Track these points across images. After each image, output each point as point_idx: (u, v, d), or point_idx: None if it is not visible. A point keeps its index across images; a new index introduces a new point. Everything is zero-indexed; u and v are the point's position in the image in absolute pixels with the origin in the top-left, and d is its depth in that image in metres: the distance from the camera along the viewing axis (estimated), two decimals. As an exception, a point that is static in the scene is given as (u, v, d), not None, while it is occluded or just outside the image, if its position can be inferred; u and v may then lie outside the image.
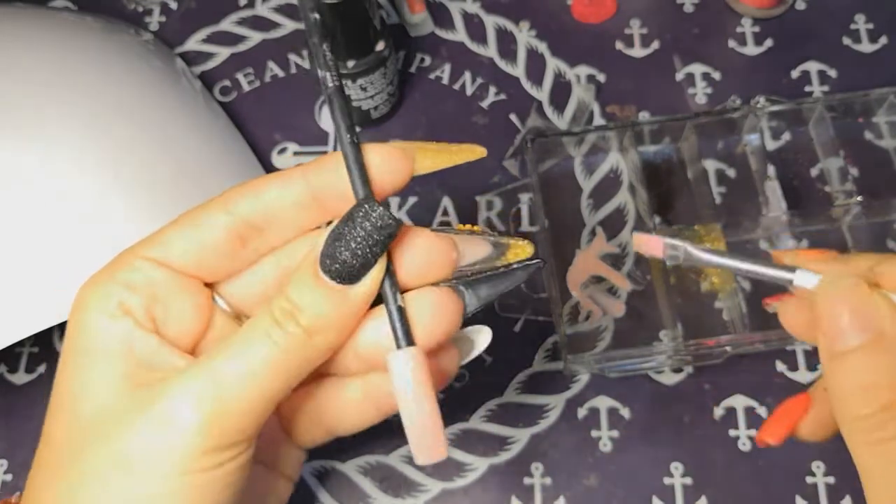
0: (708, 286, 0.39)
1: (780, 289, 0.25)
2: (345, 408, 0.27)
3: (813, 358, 0.37)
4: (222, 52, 0.47)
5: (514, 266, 0.26)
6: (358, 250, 0.23)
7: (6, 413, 0.38)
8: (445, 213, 0.42)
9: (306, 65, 0.46)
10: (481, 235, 0.26)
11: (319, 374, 0.26)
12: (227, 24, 0.48)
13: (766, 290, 0.39)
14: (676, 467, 0.36)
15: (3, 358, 0.39)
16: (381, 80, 0.41)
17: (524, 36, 0.46)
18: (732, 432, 0.36)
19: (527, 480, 0.36)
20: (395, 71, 0.42)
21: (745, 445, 0.36)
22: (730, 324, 0.38)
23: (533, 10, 0.47)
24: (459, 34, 0.47)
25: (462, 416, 0.37)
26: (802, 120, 0.42)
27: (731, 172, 0.41)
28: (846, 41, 0.45)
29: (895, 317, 0.22)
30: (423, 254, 0.24)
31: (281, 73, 0.46)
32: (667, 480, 0.36)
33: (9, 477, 0.37)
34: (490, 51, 0.46)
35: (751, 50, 0.45)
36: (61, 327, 0.39)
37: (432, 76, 0.45)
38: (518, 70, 0.45)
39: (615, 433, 0.37)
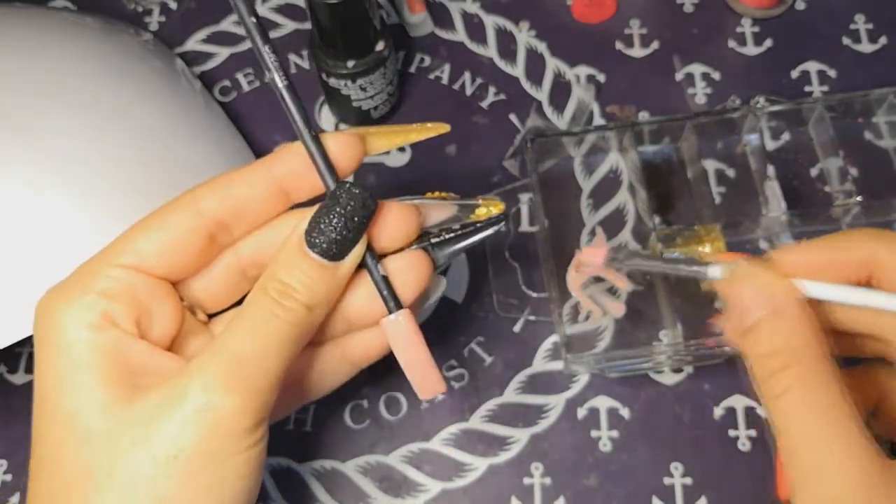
0: (707, 286, 0.39)
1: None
2: (324, 369, 0.29)
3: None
4: (222, 52, 0.47)
5: (479, 224, 0.30)
6: (343, 229, 0.25)
7: (6, 413, 0.38)
8: (445, 213, 0.42)
9: (306, 65, 0.46)
10: (447, 200, 0.30)
11: None
12: (227, 24, 0.48)
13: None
14: (676, 467, 0.36)
15: (2, 358, 0.39)
16: (381, 80, 0.41)
17: (524, 36, 0.46)
18: (732, 432, 0.36)
19: (527, 480, 0.36)
20: (395, 71, 0.42)
21: (744, 445, 0.36)
22: (730, 324, 0.38)
23: (533, 10, 0.47)
24: (459, 34, 0.47)
25: (462, 416, 0.37)
26: (802, 120, 0.42)
27: (731, 172, 0.41)
28: (846, 41, 0.45)
29: (786, 291, 0.26)
30: (392, 223, 0.27)
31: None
32: (667, 480, 0.36)
33: (8, 477, 0.37)
34: (490, 51, 0.46)
35: (750, 50, 0.45)
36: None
37: (432, 76, 0.45)
38: (518, 70, 0.45)
39: (615, 433, 0.37)
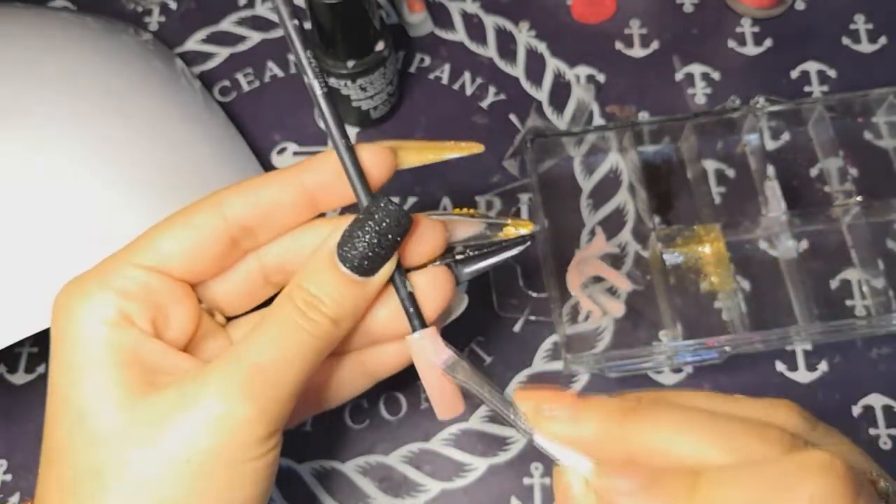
0: (707, 286, 0.39)
1: None
2: (341, 380, 0.29)
3: (813, 358, 0.38)
4: (222, 52, 0.47)
5: (504, 243, 0.29)
6: (376, 246, 0.25)
7: (6, 413, 0.38)
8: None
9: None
10: (476, 218, 0.29)
11: None
12: (227, 24, 0.48)
13: (765, 291, 0.39)
14: (676, 467, 0.36)
15: (2, 358, 0.39)
16: (381, 80, 0.41)
17: (524, 36, 0.46)
18: (732, 432, 0.36)
19: (526, 480, 0.36)
20: (395, 71, 0.42)
21: (744, 445, 0.36)
22: (729, 324, 0.38)
23: (532, 11, 0.47)
24: (459, 34, 0.47)
25: (462, 416, 0.37)
26: (802, 120, 0.42)
27: (731, 172, 0.41)
28: (846, 41, 0.45)
29: None
30: (419, 239, 0.27)
31: (280, 73, 0.46)
32: (666, 480, 0.35)
33: (8, 477, 0.37)
34: (490, 51, 0.46)
35: (750, 50, 0.45)
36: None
37: (432, 76, 0.45)
38: (518, 70, 0.45)
39: (615, 433, 0.37)
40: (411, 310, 0.27)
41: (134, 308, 0.24)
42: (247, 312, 0.29)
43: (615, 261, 0.40)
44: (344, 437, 0.37)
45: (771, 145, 0.42)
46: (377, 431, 0.37)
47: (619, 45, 0.46)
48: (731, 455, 0.20)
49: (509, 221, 0.30)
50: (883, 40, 0.45)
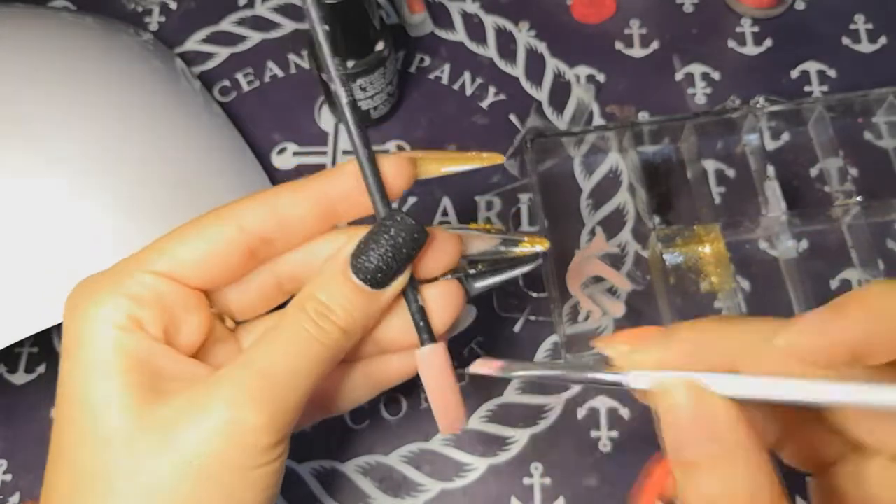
0: (707, 286, 0.39)
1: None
2: (348, 387, 0.29)
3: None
4: (222, 52, 0.47)
5: (516, 260, 0.29)
6: (391, 260, 0.25)
7: (6, 413, 0.38)
8: (445, 213, 0.42)
9: (306, 65, 0.46)
10: (491, 232, 0.29)
11: None
12: (227, 24, 0.48)
13: (765, 291, 0.39)
14: (676, 467, 0.36)
15: (2, 358, 0.39)
16: (381, 80, 0.41)
17: (524, 36, 0.46)
18: (732, 432, 0.36)
19: (526, 480, 0.36)
20: (395, 71, 0.42)
21: (744, 445, 0.36)
22: (729, 324, 0.38)
23: (533, 11, 0.47)
24: (459, 34, 0.47)
25: (462, 416, 0.37)
26: (802, 120, 0.42)
27: (731, 172, 0.41)
28: (846, 41, 0.45)
29: (732, 424, 0.20)
30: (435, 253, 0.27)
31: (280, 73, 0.46)
32: (666, 480, 0.36)
33: (8, 477, 0.37)
34: (490, 51, 0.46)
35: (750, 50, 0.45)
36: (60, 328, 0.39)
37: (432, 76, 0.45)
38: (518, 70, 0.45)
39: (615, 433, 0.37)
40: (421, 323, 0.27)
41: (146, 314, 0.24)
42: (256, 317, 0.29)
43: (615, 261, 0.40)
44: (344, 437, 0.37)
45: (771, 145, 0.42)
46: (377, 431, 0.37)
47: (619, 45, 0.46)
48: None
49: (525, 238, 0.30)
50: (883, 40, 0.45)
